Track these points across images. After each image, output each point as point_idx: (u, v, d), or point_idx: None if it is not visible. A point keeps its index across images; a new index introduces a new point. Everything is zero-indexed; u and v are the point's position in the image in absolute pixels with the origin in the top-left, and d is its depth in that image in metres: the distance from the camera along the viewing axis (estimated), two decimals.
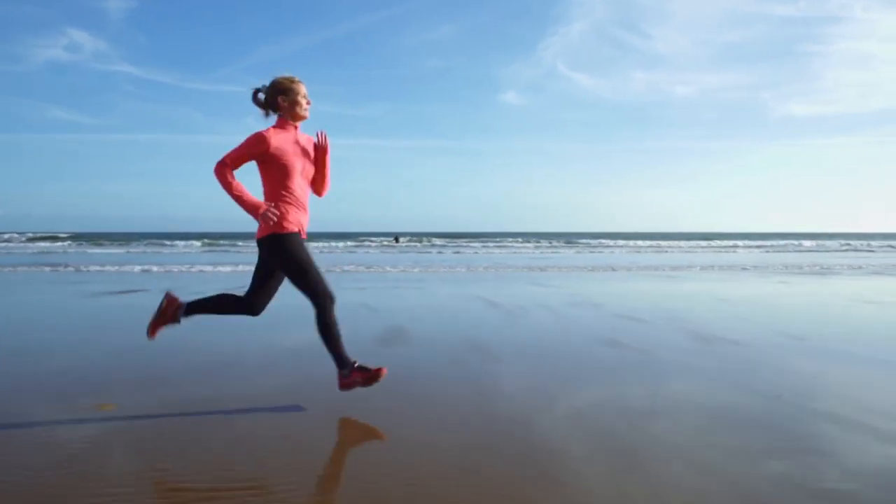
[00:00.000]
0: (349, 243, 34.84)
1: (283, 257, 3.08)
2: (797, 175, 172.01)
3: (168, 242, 34.09)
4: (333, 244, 32.93)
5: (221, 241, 36.11)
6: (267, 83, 3.22)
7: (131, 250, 27.19)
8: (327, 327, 3.11)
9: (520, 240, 42.12)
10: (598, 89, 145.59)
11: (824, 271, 15.21)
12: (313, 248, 27.49)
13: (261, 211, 3.03)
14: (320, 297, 3.09)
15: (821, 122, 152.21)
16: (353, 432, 2.94)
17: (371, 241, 38.55)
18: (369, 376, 3.14)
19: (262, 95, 3.24)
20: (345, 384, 3.19)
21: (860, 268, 16.80)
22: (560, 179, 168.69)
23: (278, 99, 3.18)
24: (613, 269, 15.59)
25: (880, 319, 6.97)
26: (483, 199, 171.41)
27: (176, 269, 14.57)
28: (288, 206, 3.11)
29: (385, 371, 3.15)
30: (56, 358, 4.52)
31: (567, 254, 26.74)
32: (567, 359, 4.59)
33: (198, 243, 33.16)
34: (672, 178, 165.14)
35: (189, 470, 2.37)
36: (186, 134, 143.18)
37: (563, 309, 7.48)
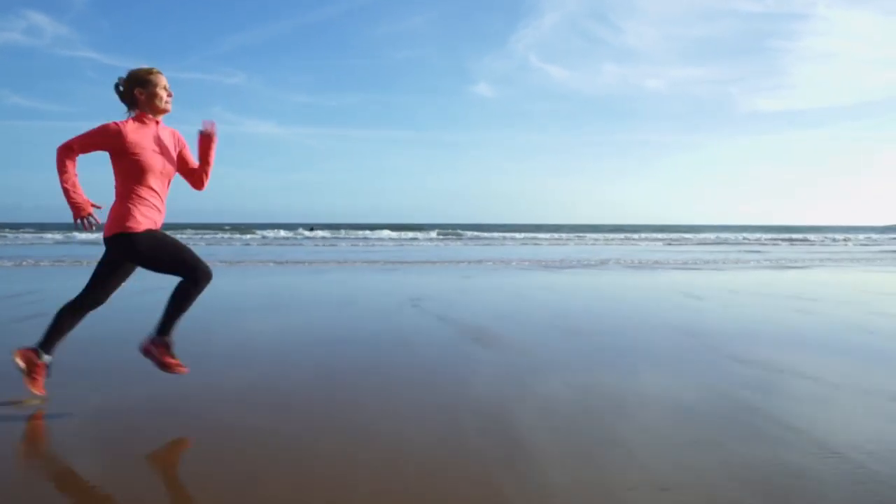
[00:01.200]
0: (250, 235, 33.56)
1: (138, 257, 2.99)
2: (762, 168, 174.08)
3: (44, 235, 32.22)
4: (238, 236, 31.50)
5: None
6: (124, 76, 3.06)
7: None
8: (185, 297, 3.00)
9: (434, 232, 40.89)
10: (571, 81, 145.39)
11: (637, 265, 14.46)
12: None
13: (82, 214, 2.91)
14: (192, 271, 2.99)
15: (786, 116, 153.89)
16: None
17: (282, 232, 36.87)
18: (167, 363, 3.05)
19: (121, 88, 3.05)
20: (147, 349, 3.08)
21: (686, 263, 16.17)
22: (530, 171, 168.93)
23: (135, 92, 3.02)
24: (401, 262, 14.62)
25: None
26: (450, 190, 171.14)
27: None
28: (137, 206, 2.98)
29: (183, 370, 3.07)
30: None
31: (426, 247, 25.72)
32: None
33: (60, 235, 30.81)
34: (639, 170, 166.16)
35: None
36: None
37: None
